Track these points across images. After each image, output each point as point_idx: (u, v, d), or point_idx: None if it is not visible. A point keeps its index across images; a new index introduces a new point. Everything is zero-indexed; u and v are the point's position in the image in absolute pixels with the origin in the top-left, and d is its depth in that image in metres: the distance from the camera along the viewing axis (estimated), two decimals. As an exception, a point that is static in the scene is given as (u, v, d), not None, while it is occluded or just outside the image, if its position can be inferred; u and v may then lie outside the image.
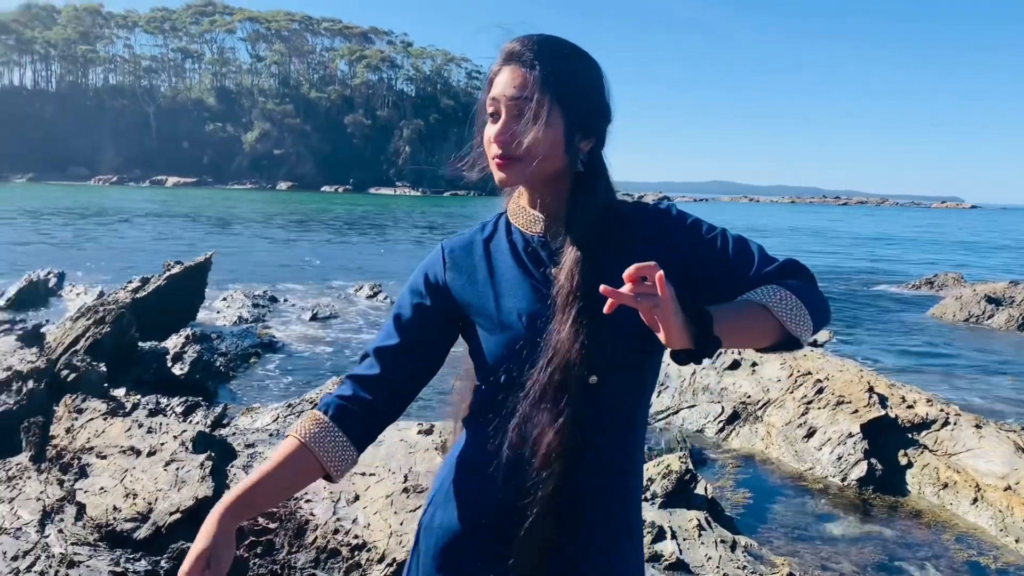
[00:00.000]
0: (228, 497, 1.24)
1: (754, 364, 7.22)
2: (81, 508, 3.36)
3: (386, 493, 3.18)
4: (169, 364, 7.24)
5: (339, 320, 11.70)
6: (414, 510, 3.07)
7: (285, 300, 13.11)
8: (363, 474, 3.37)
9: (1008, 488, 5.15)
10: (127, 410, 4.93)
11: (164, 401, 5.84)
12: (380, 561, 2.83)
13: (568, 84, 1.30)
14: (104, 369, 5.74)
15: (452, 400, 1.53)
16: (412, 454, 3.47)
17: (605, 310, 1.10)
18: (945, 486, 5.34)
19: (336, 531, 2.98)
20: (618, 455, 1.37)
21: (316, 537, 2.98)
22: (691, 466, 3.96)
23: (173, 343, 7.74)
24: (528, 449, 1.30)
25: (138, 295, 8.80)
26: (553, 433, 1.27)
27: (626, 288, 1.08)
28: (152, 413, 5.35)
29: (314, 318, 11.37)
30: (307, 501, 3.20)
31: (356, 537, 2.95)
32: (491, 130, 1.33)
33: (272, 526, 3.07)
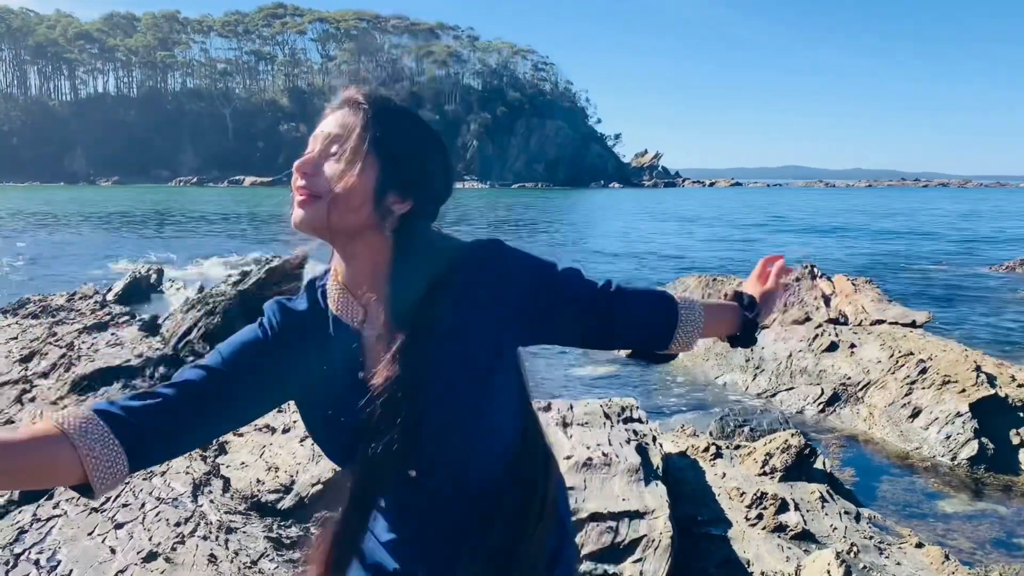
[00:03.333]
0: None
1: (852, 346, 7.15)
2: (227, 481, 3.57)
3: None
4: (276, 352, 7.54)
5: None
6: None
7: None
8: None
9: None
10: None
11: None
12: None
13: (390, 137, 1.21)
14: (221, 356, 6.03)
15: None
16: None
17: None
18: (1061, 465, 5.23)
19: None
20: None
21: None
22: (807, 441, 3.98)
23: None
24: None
25: (240, 287, 9.14)
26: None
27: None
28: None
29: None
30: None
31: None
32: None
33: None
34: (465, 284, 1.25)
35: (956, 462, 5.45)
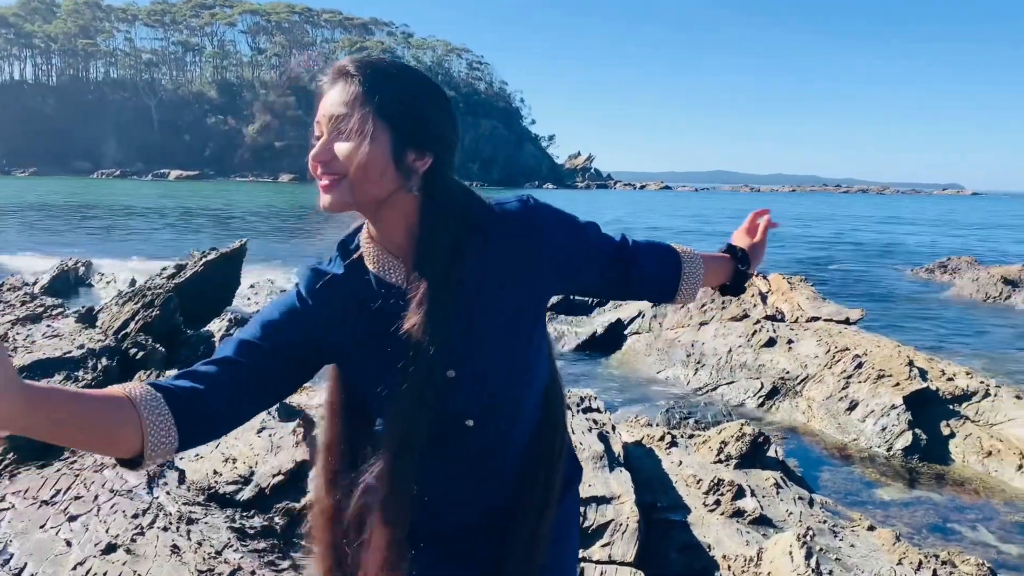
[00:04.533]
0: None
1: (790, 341, 7.35)
2: (182, 473, 3.49)
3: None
4: (217, 346, 7.38)
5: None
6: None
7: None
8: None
9: (1052, 455, 5.28)
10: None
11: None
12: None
13: (393, 98, 1.21)
14: (163, 349, 5.88)
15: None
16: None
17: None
18: (989, 454, 5.47)
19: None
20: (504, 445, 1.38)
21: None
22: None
23: (217, 326, 7.87)
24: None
25: (176, 281, 8.92)
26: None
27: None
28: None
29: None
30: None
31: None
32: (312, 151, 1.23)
33: (376, 485, 3.22)
34: (498, 235, 1.28)
35: (891, 452, 5.66)
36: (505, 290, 1.29)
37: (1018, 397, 5.92)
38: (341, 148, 1.19)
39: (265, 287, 12.12)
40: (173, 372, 5.13)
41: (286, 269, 15.47)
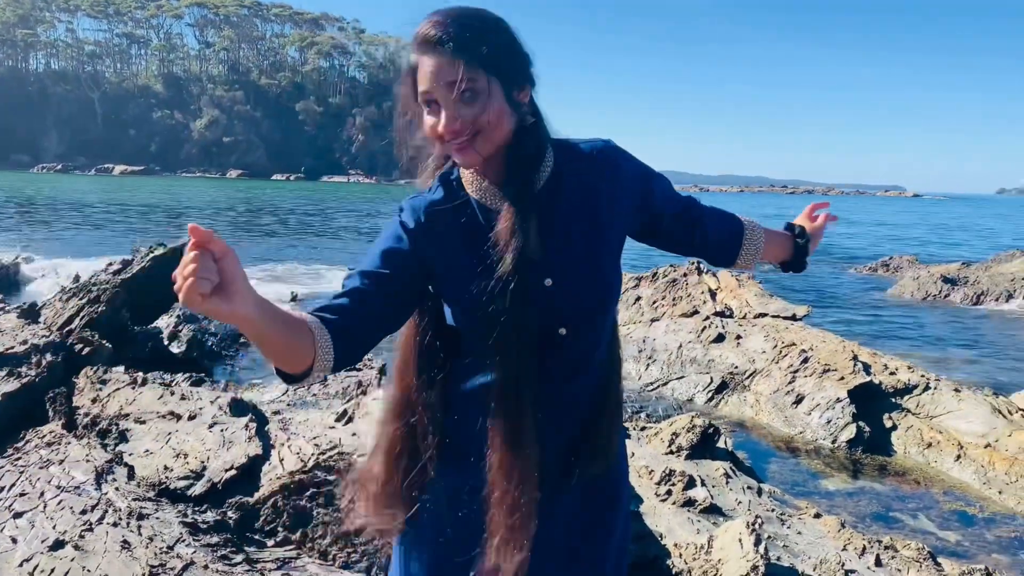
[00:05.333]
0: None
1: (738, 337, 7.49)
2: (131, 469, 3.44)
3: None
4: (166, 343, 7.25)
5: (319, 300, 11.73)
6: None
7: (257, 282, 13.10)
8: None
9: (988, 446, 5.47)
10: (142, 382, 4.98)
11: (168, 378, 5.87)
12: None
13: (490, 50, 1.29)
14: (110, 346, 5.77)
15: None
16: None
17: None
18: (929, 445, 5.65)
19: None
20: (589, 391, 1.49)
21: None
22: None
23: (165, 323, 7.74)
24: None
25: (123, 276, 8.74)
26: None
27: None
28: (165, 385, 5.40)
29: (293, 299, 11.40)
30: (361, 455, 3.33)
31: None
32: (431, 120, 1.32)
33: (331, 478, 3.20)
34: (585, 171, 1.43)
35: (836, 444, 5.80)
36: (596, 212, 1.42)
37: (957, 390, 6.11)
38: (468, 112, 1.29)
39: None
40: (120, 368, 5.04)
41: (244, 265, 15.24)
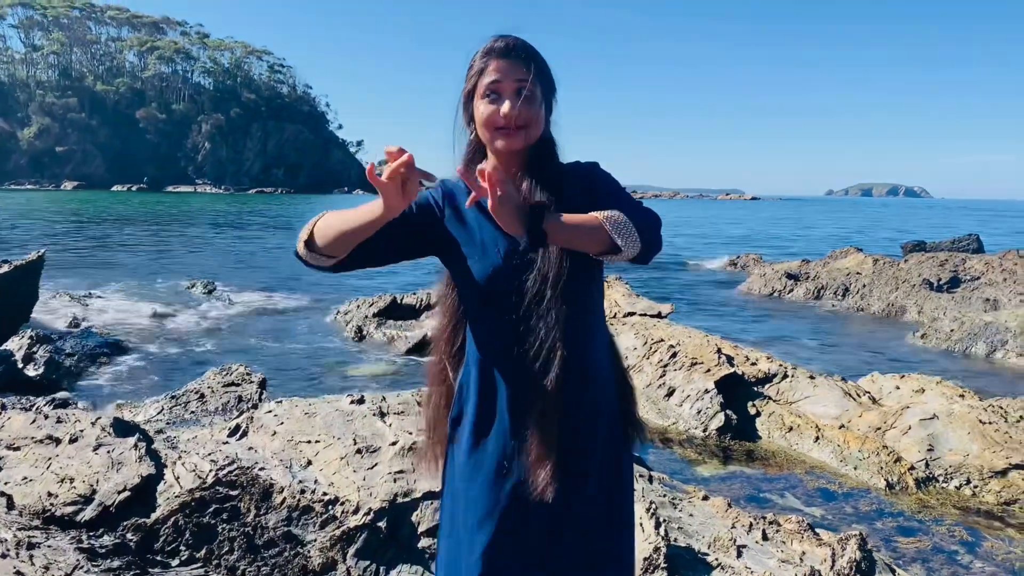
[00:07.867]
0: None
1: (611, 336, 7.78)
2: (9, 499, 3.25)
3: (339, 456, 3.32)
4: (20, 365, 6.80)
5: (182, 316, 11.28)
6: (372, 467, 3.24)
7: (100, 298, 12.44)
8: (308, 442, 3.48)
9: (842, 427, 5.95)
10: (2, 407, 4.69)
11: (31, 400, 5.54)
12: (356, 512, 2.98)
13: (544, 71, 1.71)
14: (-42, 371, 5.38)
15: (433, 337, 1.95)
16: (351, 422, 3.62)
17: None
18: (790, 429, 6.07)
19: (303, 491, 3.09)
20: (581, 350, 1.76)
21: (284, 498, 3.07)
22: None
23: (17, 344, 7.25)
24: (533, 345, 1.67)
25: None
26: (547, 329, 1.65)
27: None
28: (25, 410, 5.10)
29: (154, 315, 10.91)
30: (261, 469, 3.28)
31: (325, 494, 3.07)
32: (490, 108, 1.66)
33: (234, 493, 3.14)
34: (574, 182, 1.73)
35: (707, 433, 6.15)
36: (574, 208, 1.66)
37: (812, 377, 6.61)
38: (527, 110, 1.65)
39: (64, 301, 11.26)
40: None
41: (90, 280, 14.41)
